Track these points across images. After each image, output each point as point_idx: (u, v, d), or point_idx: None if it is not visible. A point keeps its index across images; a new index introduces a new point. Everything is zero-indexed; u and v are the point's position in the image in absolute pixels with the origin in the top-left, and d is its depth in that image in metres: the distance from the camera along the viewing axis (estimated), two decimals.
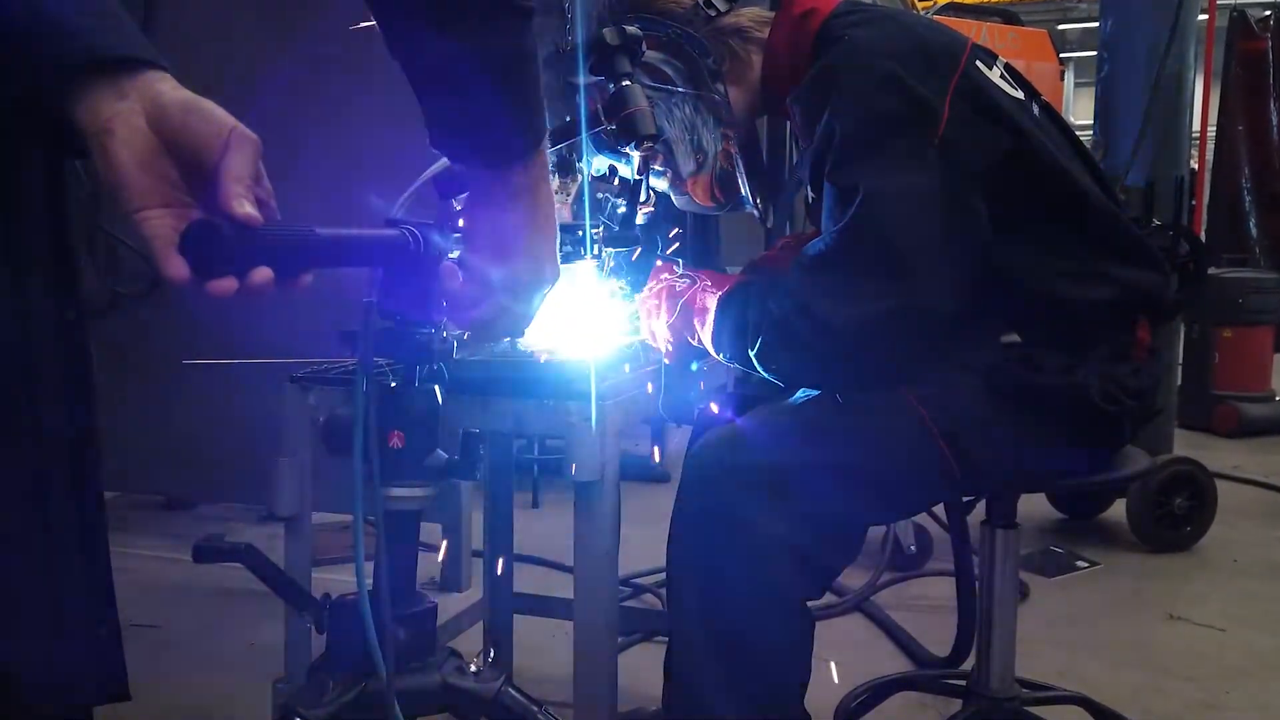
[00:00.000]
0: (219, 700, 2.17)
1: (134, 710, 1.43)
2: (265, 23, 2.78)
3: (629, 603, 2.79)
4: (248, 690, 2.17)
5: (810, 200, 1.54)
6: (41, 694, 1.20)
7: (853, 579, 2.86)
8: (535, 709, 1.08)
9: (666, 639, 1.68)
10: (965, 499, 1.90)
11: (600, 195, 1.49)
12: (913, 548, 3.01)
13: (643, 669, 2.11)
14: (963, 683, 1.87)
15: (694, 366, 1.65)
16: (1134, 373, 1.45)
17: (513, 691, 1.08)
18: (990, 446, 1.42)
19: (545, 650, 2.39)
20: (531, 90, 0.86)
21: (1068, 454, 1.48)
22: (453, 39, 0.81)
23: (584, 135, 1.47)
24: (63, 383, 1.27)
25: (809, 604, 1.44)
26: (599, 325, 1.59)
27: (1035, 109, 1.53)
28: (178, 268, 0.72)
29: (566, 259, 1.32)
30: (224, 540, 1.11)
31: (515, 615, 2.34)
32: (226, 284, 0.73)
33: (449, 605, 2.59)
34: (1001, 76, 1.50)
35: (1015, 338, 1.46)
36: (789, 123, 1.58)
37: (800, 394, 1.50)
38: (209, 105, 0.77)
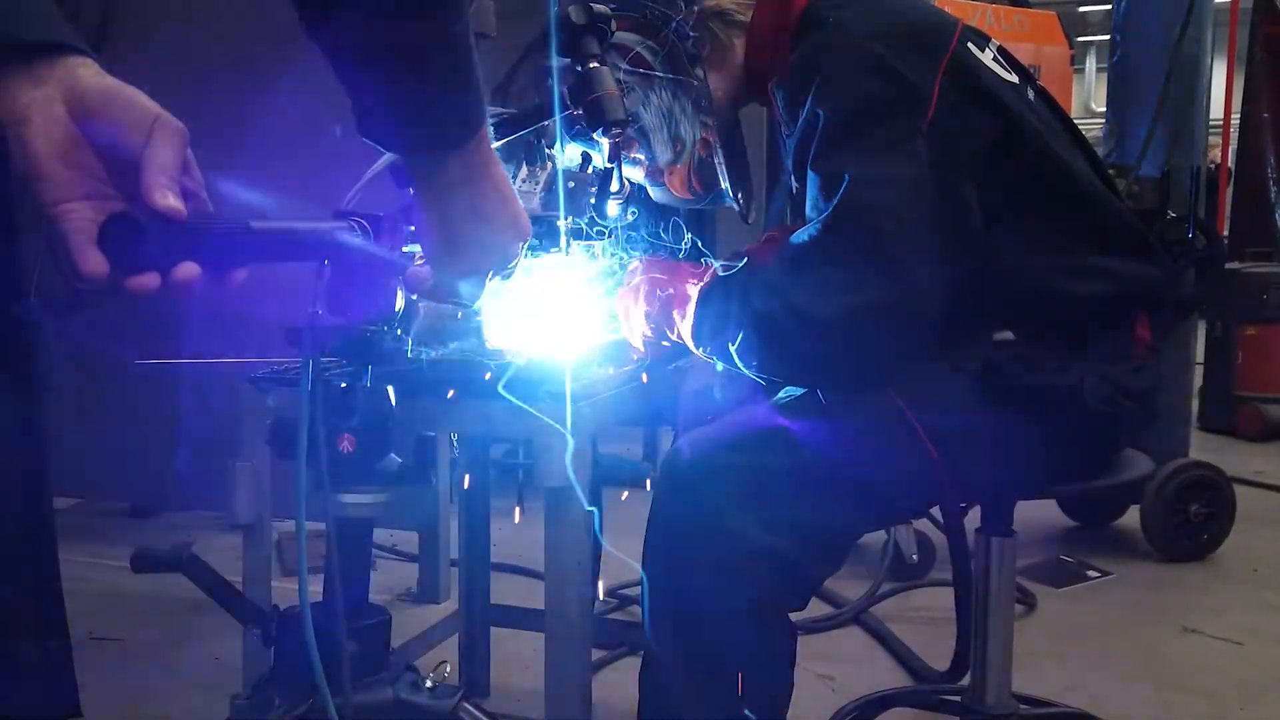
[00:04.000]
0: (180, 715, 2.17)
1: None
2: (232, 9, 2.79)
3: (615, 615, 2.79)
4: (210, 705, 2.16)
5: (794, 190, 1.54)
6: None
7: (851, 589, 2.86)
8: None
9: None
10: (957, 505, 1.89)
11: (572, 183, 1.49)
12: (914, 556, 3.01)
13: (628, 684, 2.11)
14: (959, 698, 1.86)
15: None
16: (1133, 372, 1.45)
17: (469, 708, 1.08)
18: (980, 450, 1.41)
19: (526, 664, 2.39)
20: (464, 74, 0.85)
21: (1062, 458, 1.47)
22: (374, 19, 0.80)
23: (558, 120, 1.47)
24: (10, 385, 1.27)
25: (796, 615, 1.44)
26: (574, 322, 1.58)
27: (1030, 94, 1.52)
28: (95, 263, 0.72)
29: (533, 251, 1.31)
30: (168, 548, 1.11)
31: (495, 628, 2.34)
32: (148, 281, 0.72)
33: (424, 617, 2.60)
34: (994, 59, 1.50)
35: (1008, 335, 1.46)
36: (771, 110, 1.58)
37: (783, 394, 1.50)
38: (132, 92, 0.76)
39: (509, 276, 1.08)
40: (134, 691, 2.27)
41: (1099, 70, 16.50)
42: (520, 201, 1.04)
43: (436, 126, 0.87)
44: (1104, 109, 3.89)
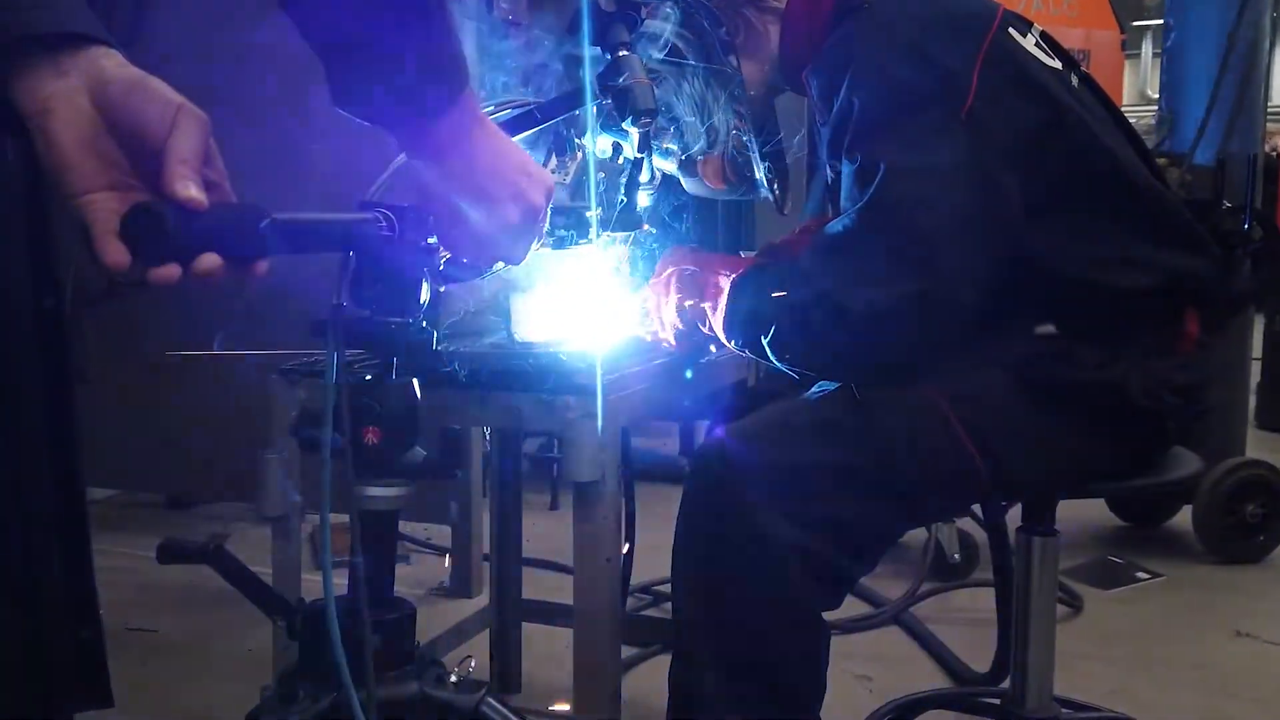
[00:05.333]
0: (210, 707, 2.20)
1: (120, 716, 1.46)
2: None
3: (649, 611, 2.80)
4: (240, 697, 2.19)
5: (830, 180, 1.53)
6: (19, 698, 1.23)
7: (891, 589, 2.84)
8: None
9: None
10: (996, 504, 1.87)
11: (602, 174, 1.49)
12: (956, 556, 2.98)
13: (662, 681, 2.11)
14: (998, 701, 1.85)
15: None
16: (1179, 367, 1.43)
17: (494, 703, 1.08)
18: (1021, 447, 1.40)
19: (558, 660, 2.40)
20: (438, 36, 0.86)
21: (1106, 456, 1.46)
22: None
23: (589, 110, 1.47)
24: (41, 373, 1.30)
25: (833, 614, 1.43)
26: (604, 314, 1.59)
27: (1074, 80, 1.51)
28: (117, 254, 0.73)
29: (562, 243, 1.32)
30: (204, 539, 1.13)
31: (529, 624, 2.36)
32: (169, 271, 0.73)
33: (457, 611, 2.62)
34: (1036, 45, 1.48)
35: (1050, 329, 1.44)
36: (806, 99, 1.57)
37: (816, 389, 1.49)
38: (155, 82, 0.77)
39: (540, 232, 1.07)
40: (166, 682, 2.32)
41: (1155, 55, 16.15)
42: (527, 152, 1.03)
43: (416, 93, 0.87)
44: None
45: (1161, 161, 3.26)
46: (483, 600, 2.65)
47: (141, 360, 2.95)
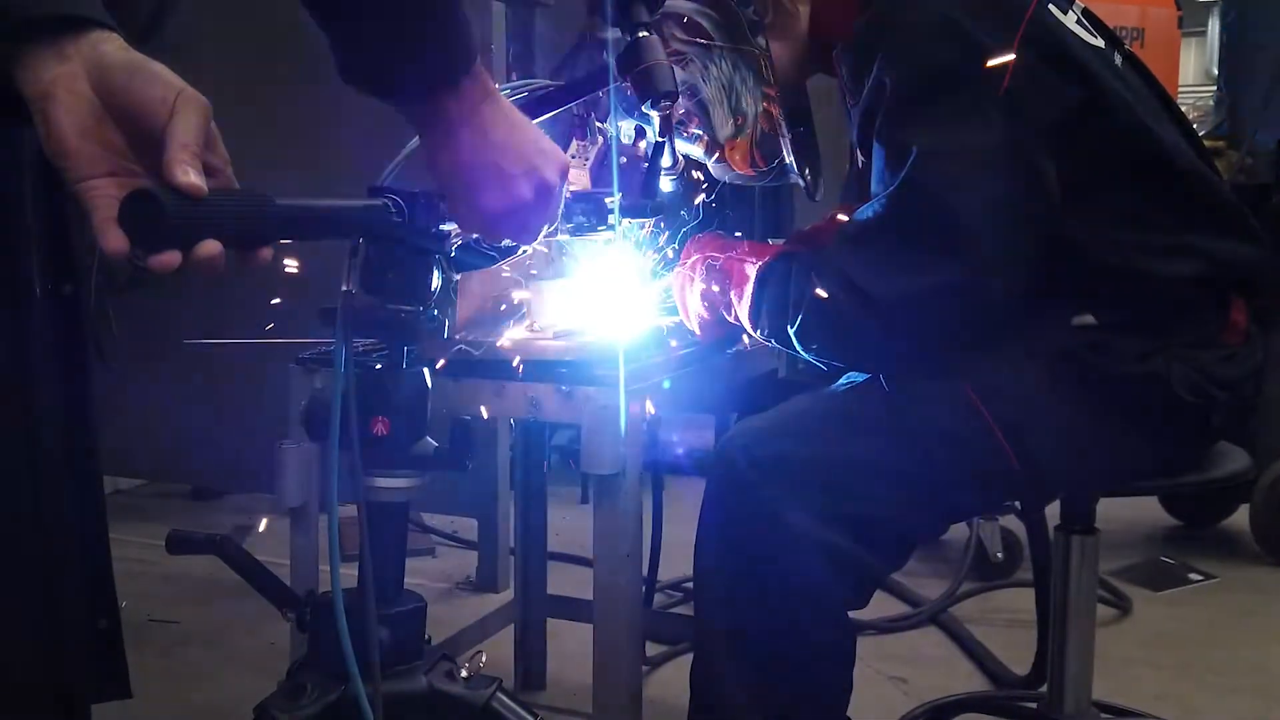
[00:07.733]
0: (230, 699, 2.24)
1: (139, 708, 1.49)
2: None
3: (678, 609, 2.80)
4: (256, 689, 2.22)
5: (860, 164, 1.52)
6: (36, 689, 1.26)
7: (929, 588, 2.83)
8: (529, 718, 1.10)
9: None
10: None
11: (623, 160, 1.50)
12: (999, 554, 2.96)
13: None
14: (1035, 705, 1.83)
15: None
16: (1224, 360, 1.41)
17: (504, 698, 1.09)
18: (1056, 442, 1.38)
19: (584, 657, 2.40)
20: (446, 10, 0.86)
21: (1147, 453, 1.43)
22: None
23: (612, 94, 1.47)
24: (57, 361, 1.32)
25: (868, 614, 1.42)
26: (627, 302, 1.59)
27: (1117, 59, 1.48)
28: (116, 241, 0.74)
29: (580, 230, 1.32)
30: (229, 530, 1.15)
31: (557, 620, 2.36)
32: (169, 258, 0.74)
33: (483, 606, 2.64)
34: (1078, 22, 1.46)
35: (1089, 319, 1.42)
36: (838, 80, 1.56)
37: (844, 380, 1.49)
38: (156, 67, 0.78)
39: (554, 211, 1.07)
40: (186, 674, 2.36)
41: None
42: (542, 131, 1.04)
43: (424, 66, 0.88)
44: None
45: (1219, 144, 3.20)
46: (509, 595, 2.67)
47: (168, 350, 2.99)
